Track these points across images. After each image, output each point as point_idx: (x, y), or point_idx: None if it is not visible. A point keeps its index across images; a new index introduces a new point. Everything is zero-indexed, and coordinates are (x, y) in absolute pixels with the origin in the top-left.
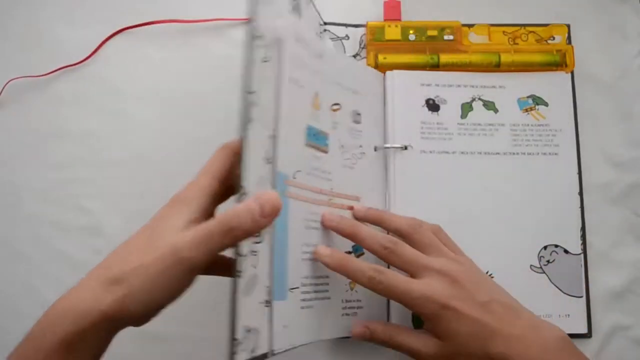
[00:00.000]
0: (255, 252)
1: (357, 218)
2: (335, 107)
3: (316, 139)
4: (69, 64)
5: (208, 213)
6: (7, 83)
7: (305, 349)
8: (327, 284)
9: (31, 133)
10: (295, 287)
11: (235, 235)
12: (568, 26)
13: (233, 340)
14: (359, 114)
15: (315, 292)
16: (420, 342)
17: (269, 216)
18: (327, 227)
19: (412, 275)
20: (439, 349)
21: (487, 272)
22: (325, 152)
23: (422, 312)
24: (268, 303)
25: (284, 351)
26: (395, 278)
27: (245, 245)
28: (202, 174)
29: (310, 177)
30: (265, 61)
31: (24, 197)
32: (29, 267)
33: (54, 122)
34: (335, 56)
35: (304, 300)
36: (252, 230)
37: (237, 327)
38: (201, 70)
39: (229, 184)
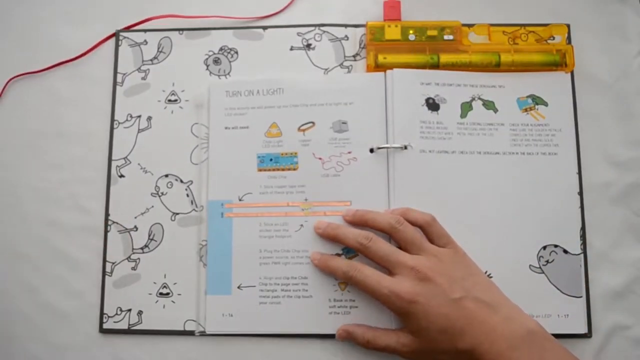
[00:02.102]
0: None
1: (347, 221)
2: (305, 126)
3: (273, 163)
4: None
5: None
6: (7, 82)
7: (308, 347)
8: (306, 284)
9: (31, 133)
10: (248, 285)
11: None
12: (568, 26)
13: (102, 314)
14: (344, 123)
15: (285, 290)
16: (396, 341)
17: None
18: (318, 235)
19: (389, 270)
20: (414, 345)
21: (486, 272)
22: (294, 169)
23: (391, 307)
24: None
25: (231, 335)
26: (368, 274)
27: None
28: None
29: (265, 196)
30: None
31: (24, 197)
32: (29, 267)
33: (54, 122)
34: (302, 81)
35: (264, 297)
36: None
37: (105, 306)
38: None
39: None
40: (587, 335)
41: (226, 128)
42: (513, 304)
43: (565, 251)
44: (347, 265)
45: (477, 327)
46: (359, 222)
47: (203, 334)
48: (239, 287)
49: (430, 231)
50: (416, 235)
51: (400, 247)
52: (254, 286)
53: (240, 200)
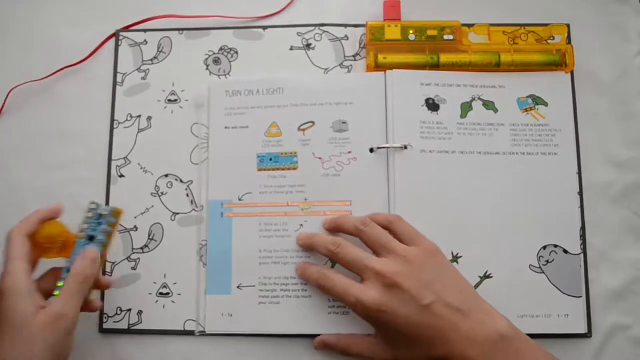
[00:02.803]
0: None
1: (324, 229)
2: (305, 126)
3: (273, 162)
4: (69, 64)
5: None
6: (10, 91)
7: (307, 347)
8: (306, 284)
9: (31, 133)
10: (248, 285)
11: (89, 282)
12: (568, 26)
13: (103, 314)
14: (344, 123)
15: (284, 290)
16: (369, 348)
17: (97, 263)
18: (300, 247)
19: (359, 275)
20: (386, 353)
21: (486, 272)
22: (294, 169)
23: (360, 316)
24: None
25: (230, 335)
26: (336, 282)
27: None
28: (12, 259)
29: (265, 195)
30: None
31: (24, 197)
32: None
33: (54, 122)
34: (302, 81)
35: (263, 296)
36: (96, 274)
37: (105, 306)
38: None
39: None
40: (587, 335)
41: (226, 128)
42: (485, 305)
43: (565, 251)
44: (317, 273)
45: (448, 334)
46: (333, 229)
47: (203, 334)
48: (238, 287)
49: (395, 230)
50: (382, 236)
51: (371, 251)
52: (254, 286)
53: (240, 200)
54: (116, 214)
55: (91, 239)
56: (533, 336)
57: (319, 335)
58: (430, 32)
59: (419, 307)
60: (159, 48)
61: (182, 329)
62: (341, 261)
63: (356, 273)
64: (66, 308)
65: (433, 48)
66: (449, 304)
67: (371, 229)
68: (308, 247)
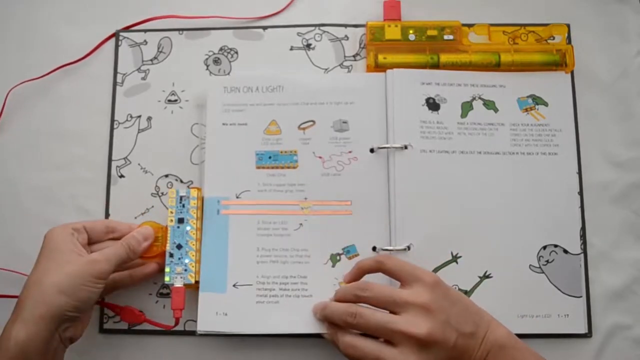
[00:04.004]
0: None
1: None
2: (305, 125)
3: (273, 160)
4: (68, 62)
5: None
6: (9, 92)
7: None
8: (306, 283)
9: (31, 133)
10: (245, 284)
11: (133, 253)
12: (568, 26)
13: (102, 314)
14: (345, 122)
15: (283, 289)
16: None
17: (146, 241)
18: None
19: (387, 339)
20: None
21: (486, 272)
22: (293, 167)
23: None
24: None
25: (227, 335)
26: (365, 350)
27: None
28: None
29: (264, 193)
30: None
31: (24, 197)
32: (29, 268)
33: (54, 122)
34: (302, 79)
35: (261, 295)
36: (140, 250)
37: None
38: None
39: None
40: (587, 335)
41: (224, 124)
42: (485, 316)
43: (565, 251)
44: (341, 343)
45: (463, 357)
46: (323, 320)
47: (204, 334)
48: (234, 286)
49: (387, 270)
50: (384, 293)
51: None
52: (251, 285)
53: (237, 197)
54: (194, 192)
55: (181, 221)
56: (533, 336)
57: (319, 334)
58: (430, 32)
59: (448, 349)
60: (158, 48)
61: (182, 329)
62: (365, 329)
63: (383, 338)
64: (102, 258)
65: (433, 48)
66: (465, 334)
67: (370, 291)
68: (324, 321)
